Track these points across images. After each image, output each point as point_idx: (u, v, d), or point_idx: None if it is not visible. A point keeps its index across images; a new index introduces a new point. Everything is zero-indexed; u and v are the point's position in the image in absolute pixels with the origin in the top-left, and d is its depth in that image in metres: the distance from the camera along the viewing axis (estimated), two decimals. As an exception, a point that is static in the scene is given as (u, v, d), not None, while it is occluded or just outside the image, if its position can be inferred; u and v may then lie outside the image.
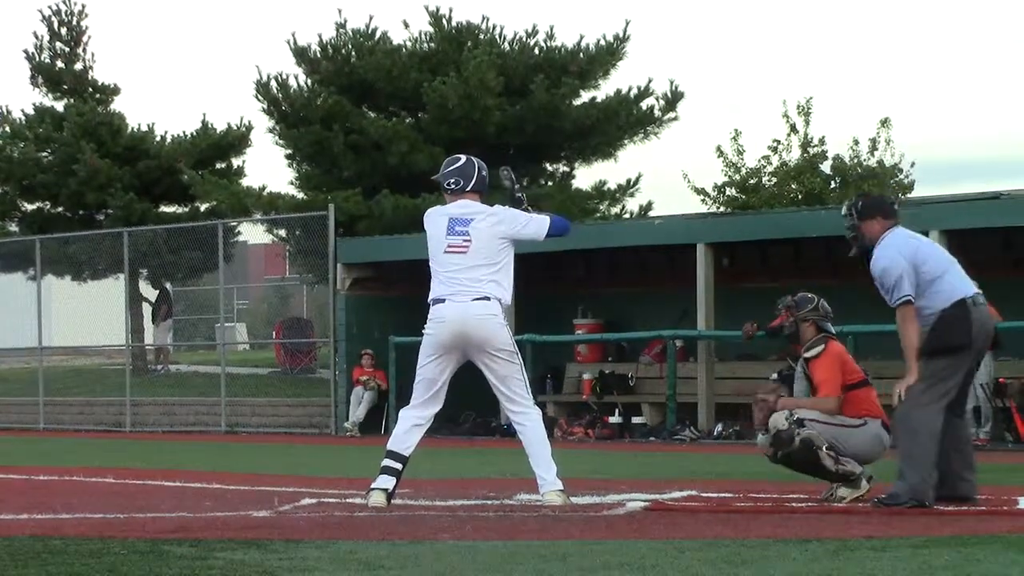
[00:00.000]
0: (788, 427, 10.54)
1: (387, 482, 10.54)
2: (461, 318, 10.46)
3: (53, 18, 34.04)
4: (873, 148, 33.15)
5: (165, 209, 34.01)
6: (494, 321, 10.49)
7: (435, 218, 10.74)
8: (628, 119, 30.16)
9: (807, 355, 10.92)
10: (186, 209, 33.72)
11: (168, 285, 34.40)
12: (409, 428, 10.68)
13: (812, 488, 10.99)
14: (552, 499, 10.43)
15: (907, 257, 10.10)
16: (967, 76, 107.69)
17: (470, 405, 22.81)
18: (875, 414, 10.70)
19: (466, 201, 10.69)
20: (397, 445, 10.65)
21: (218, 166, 33.68)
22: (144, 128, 33.90)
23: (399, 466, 10.59)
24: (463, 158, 10.84)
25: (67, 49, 34.14)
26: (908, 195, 32.44)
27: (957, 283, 10.15)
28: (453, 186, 10.71)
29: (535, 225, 10.71)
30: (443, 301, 10.54)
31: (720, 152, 33.32)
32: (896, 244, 10.21)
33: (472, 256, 10.51)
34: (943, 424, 9.99)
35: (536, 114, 28.90)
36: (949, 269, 10.23)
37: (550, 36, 30.21)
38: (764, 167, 33.29)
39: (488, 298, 10.49)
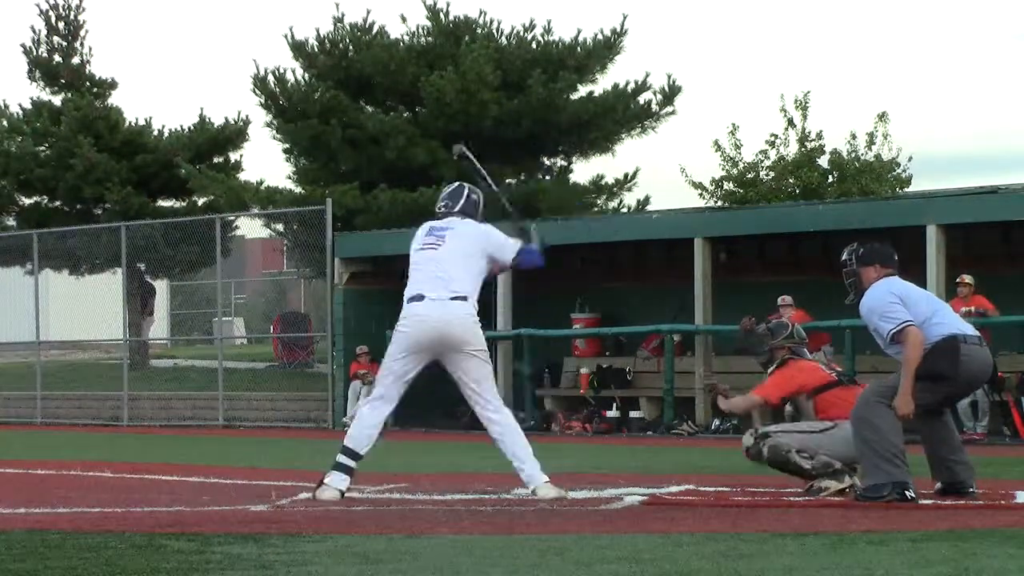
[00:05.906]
0: (755, 443, 10.76)
1: (342, 482, 10.52)
2: (442, 319, 10.45)
3: (51, 12, 34.03)
4: (871, 142, 33.11)
5: (163, 203, 33.96)
6: (471, 321, 10.53)
7: (421, 230, 10.93)
8: (625, 113, 30.16)
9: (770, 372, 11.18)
10: (184, 203, 33.68)
11: (148, 278, 34.12)
12: (370, 427, 10.61)
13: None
14: (546, 492, 10.44)
15: (897, 293, 10.19)
16: (965, 70, 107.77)
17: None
18: (846, 416, 10.70)
19: (452, 219, 10.81)
20: (356, 444, 10.61)
21: (216, 160, 33.67)
22: (142, 122, 33.91)
23: (354, 464, 10.58)
24: (456, 183, 11.12)
25: (64, 43, 34.11)
26: (906, 189, 32.43)
27: (951, 322, 10.28)
28: (443, 208, 10.92)
29: (509, 248, 10.73)
30: (421, 299, 10.54)
31: (718, 146, 33.26)
32: (885, 285, 10.29)
33: (444, 251, 10.59)
34: (925, 425, 10.14)
35: (533, 108, 28.89)
36: (942, 310, 10.40)
37: (547, 30, 30.23)
38: (762, 161, 33.24)
39: (465, 298, 10.50)
